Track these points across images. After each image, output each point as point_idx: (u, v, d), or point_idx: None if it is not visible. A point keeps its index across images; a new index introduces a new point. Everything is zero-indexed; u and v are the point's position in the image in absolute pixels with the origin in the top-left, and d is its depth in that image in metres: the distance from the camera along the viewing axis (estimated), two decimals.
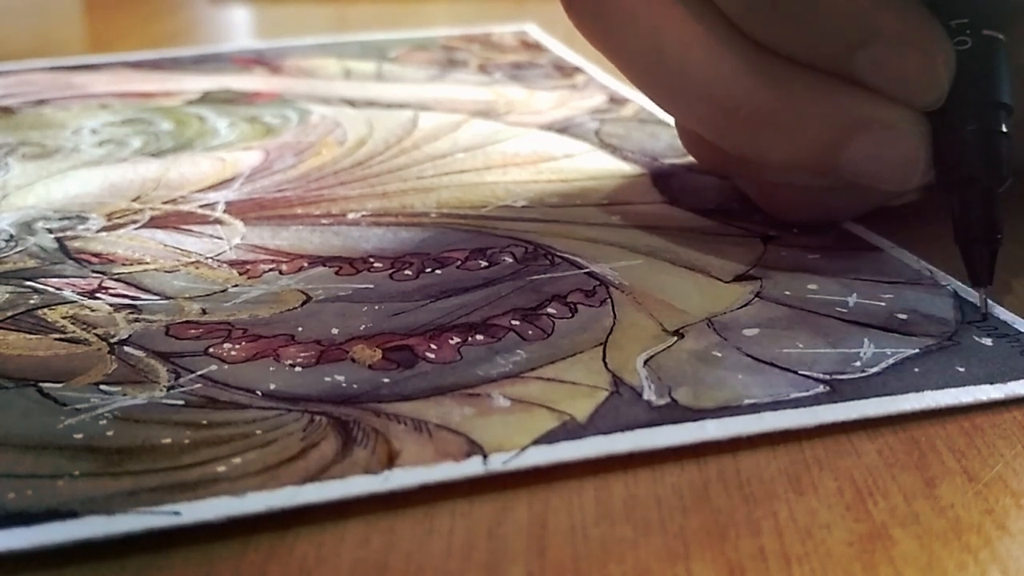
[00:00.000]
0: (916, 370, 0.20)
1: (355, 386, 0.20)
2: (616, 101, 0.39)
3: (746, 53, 0.23)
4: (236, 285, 0.24)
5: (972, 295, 0.23)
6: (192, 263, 0.25)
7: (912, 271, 0.24)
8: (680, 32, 0.23)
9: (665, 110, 0.26)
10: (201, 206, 0.29)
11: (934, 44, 0.22)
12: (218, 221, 0.28)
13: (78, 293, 0.24)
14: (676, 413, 0.19)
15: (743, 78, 0.23)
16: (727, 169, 0.27)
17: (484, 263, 0.25)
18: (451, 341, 0.21)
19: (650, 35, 0.23)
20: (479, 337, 0.21)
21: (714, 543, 0.16)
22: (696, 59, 0.23)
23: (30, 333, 0.22)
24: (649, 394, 0.19)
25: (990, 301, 0.23)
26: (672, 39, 0.23)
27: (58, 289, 0.24)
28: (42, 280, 0.24)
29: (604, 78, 0.41)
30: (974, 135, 0.22)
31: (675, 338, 0.21)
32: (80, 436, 0.18)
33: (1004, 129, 0.22)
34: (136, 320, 0.22)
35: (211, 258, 0.26)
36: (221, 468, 0.17)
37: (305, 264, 0.25)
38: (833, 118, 0.23)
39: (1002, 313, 0.22)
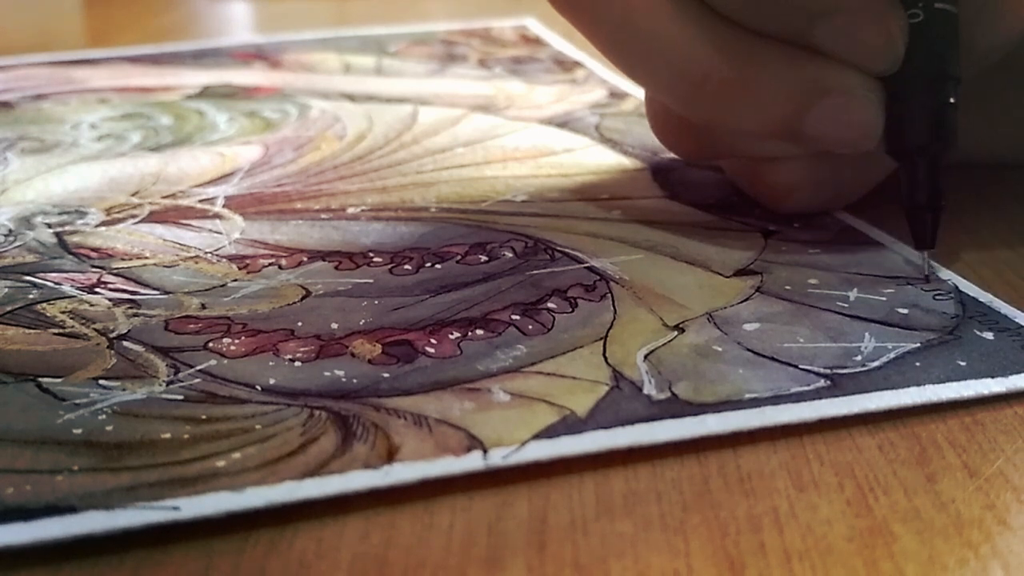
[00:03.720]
0: (917, 364, 0.20)
1: (355, 381, 0.20)
2: (616, 96, 0.39)
3: (712, 25, 0.24)
4: (235, 280, 0.24)
5: (974, 289, 0.23)
6: (191, 258, 0.25)
7: (913, 266, 0.24)
8: (649, 5, 0.24)
9: (635, 81, 0.26)
10: (200, 201, 0.29)
11: (890, 13, 0.23)
12: (217, 216, 0.28)
13: (77, 288, 0.24)
14: (676, 407, 0.19)
15: (710, 50, 0.23)
16: (698, 155, 0.28)
17: (484, 258, 0.25)
18: (451, 336, 0.21)
19: (620, 8, 0.24)
20: (479, 332, 0.21)
21: (714, 538, 0.16)
22: (664, 32, 0.24)
23: (29, 328, 0.22)
24: (649, 388, 0.19)
25: (933, 264, 0.24)
26: (641, 12, 0.24)
27: (57, 284, 0.24)
28: (41, 275, 0.24)
29: (604, 73, 0.41)
30: (924, 106, 0.23)
31: (675, 333, 0.21)
32: (79, 431, 0.18)
33: (952, 100, 0.23)
34: (135, 315, 0.22)
35: (210, 253, 0.26)
36: (220, 463, 0.17)
37: (304, 259, 0.25)
38: (796, 86, 0.24)
39: (1003, 307, 0.22)
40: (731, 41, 0.24)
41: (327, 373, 0.20)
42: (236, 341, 0.21)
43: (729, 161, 0.28)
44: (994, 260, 0.25)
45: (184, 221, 0.28)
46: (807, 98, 0.23)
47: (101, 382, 0.20)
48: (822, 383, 0.19)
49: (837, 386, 0.19)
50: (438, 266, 0.25)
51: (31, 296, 0.23)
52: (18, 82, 0.42)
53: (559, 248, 0.25)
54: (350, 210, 0.28)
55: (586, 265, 0.24)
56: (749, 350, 0.21)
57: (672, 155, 0.31)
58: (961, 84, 0.24)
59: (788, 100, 0.24)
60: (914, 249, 0.24)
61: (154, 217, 0.28)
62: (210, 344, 0.21)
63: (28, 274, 0.24)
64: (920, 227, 0.24)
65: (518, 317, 0.22)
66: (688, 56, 0.24)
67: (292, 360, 0.21)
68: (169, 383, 0.20)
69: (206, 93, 0.40)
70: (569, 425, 0.18)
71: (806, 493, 0.17)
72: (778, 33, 0.23)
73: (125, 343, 0.21)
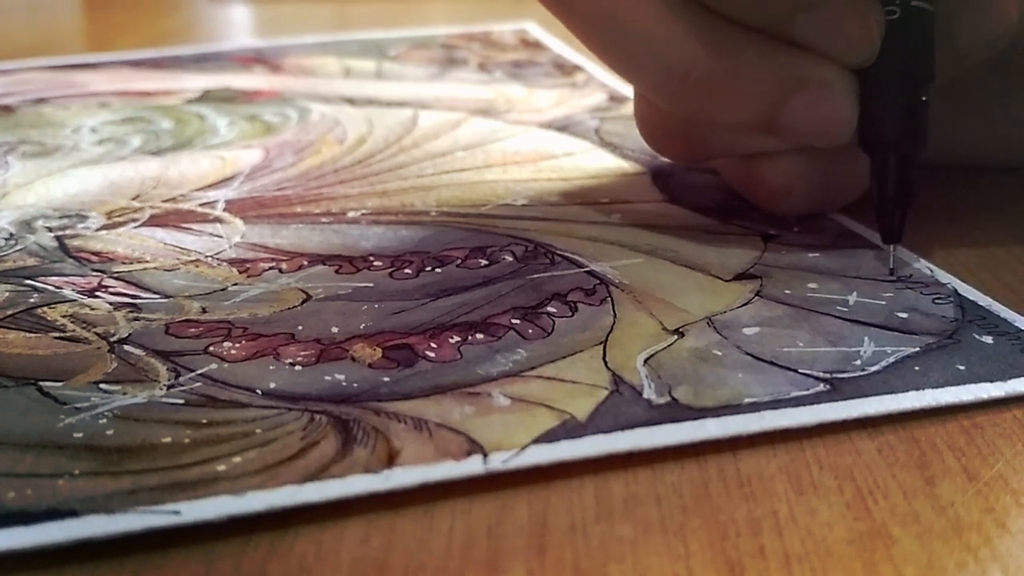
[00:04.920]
0: (916, 368, 0.20)
1: (355, 385, 0.20)
2: (616, 99, 0.39)
3: (694, 18, 0.24)
4: (236, 284, 0.24)
5: (973, 293, 0.23)
6: (192, 261, 0.25)
7: (912, 269, 0.24)
8: None
9: (618, 75, 0.27)
10: (201, 204, 0.29)
11: (868, 7, 0.24)
12: (218, 219, 0.28)
13: (78, 292, 0.24)
14: (676, 412, 0.19)
15: (692, 42, 0.24)
16: (686, 156, 0.28)
17: (484, 262, 0.25)
18: (451, 340, 0.21)
19: (604, 1, 0.24)
20: (479, 336, 0.21)
21: (714, 542, 0.16)
22: (647, 25, 0.24)
23: (30, 332, 0.22)
24: (649, 393, 0.19)
25: (900, 259, 0.24)
26: (624, 6, 0.24)
27: (58, 288, 0.24)
28: (42, 279, 0.24)
29: (604, 76, 0.41)
30: (896, 103, 0.24)
31: (675, 337, 0.21)
32: (80, 435, 0.18)
33: (925, 99, 0.24)
34: (136, 319, 0.22)
35: (211, 256, 0.26)
36: (221, 467, 0.17)
37: (305, 262, 0.25)
38: (775, 78, 0.24)
39: (1002, 311, 0.22)
40: (712, 33, 0.24)
41: (327, 377, 0.20)
42: (237, 345, 0.21)
43: (723, 163, 0.28)
44: (993, 263, 0.25)
45: (185, 225, 0.28)
46: (785, 90, 0.24)
47: (102, 386, 0.20)
48: (821, 387, 0.20)
49: (836, 390, 0.19)
50: (438, 270, 0.25)
51: (32, 300, 0.23)
52: (19, 86, 0.42)
53: (559, 252, 0.25)
54: (350, 214, 0.28)
55: (586, 269, 0.25)
56: (749, 354, 0.21)
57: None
58: (935, 82, 0.24)
59: (766, 92, 0.24)
60: (882, 243, 0.24)
61: (155, 221, 0.28)
62: (211, 348, 0.21)
63: (29, 278, 0.24)
64: (888, 222, 0.24)
65: (518, 321, 0.22)
66: (671, 49, 0.24)
67: (292, 364, 0.21)
68: (170, 387, 0.20)
69: (207, 97, 0.40)
70: (569, 429, 0.18)
71: (806, 496, 0.17)
72: (758, 25, 0.24)
73: (126, 347, 0.21)
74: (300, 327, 0.22)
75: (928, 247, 0.25)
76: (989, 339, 0.21)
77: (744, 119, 0.25)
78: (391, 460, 0.17)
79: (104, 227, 0.27)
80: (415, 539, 0.16)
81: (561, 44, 0.47)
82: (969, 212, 0.28)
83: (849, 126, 0.24)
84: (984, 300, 0.23)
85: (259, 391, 0.20)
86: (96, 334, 0.22)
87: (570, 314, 0.22)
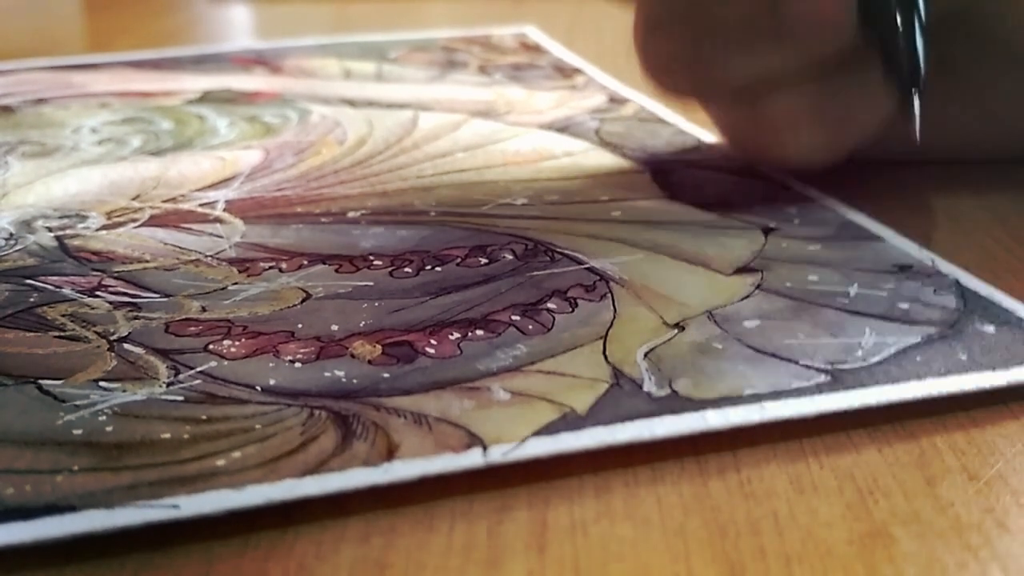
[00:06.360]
0: (918, 358, 0.20)
1: (355, 381, 0.20)
2: (616, 101, 0.39)
3: None
4: (236, 283, 0.24)
5: (975, 282, 0.23)
6: (192, 261, 0.25)
7: (914, 260, 0.24)
8: None
9: None
10: (201, 205, 0.29)
11: None
12: (218, 219, 0.28)
13: (77, 291, 0.24)
14: (676, 404, 0.19)
15: None
16: (691, 91, 0.28)
17: (484, 260, 0.25)
18: (451, 336, 0.21)
19: None
20: (479, 332, 0.21)
21: (714, 541, 0.16)
22: None
23: (29, 331, 0.22)
24: (649, 385, 0.19)
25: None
26: None
27: (57, 287, 0.24)
28: (42, 278, 0.24)
29: (604, 78, 0.41)
30: None
31: (676, 331, 0.21)
32: (79, 432, 0.18)
33: None
34: (135, 318, 0.22)
35: (211, 256, 0.26)
36: (220, 462, 0.17)
37: (305, 262, 0.25)
38: None
39: (1004, 300, 0.22)
40: None
41: (327, 374, 0.20)
42: (236, 343, 0.21)
43: (728, 119, 0.28)
44: (993, 263, 0.25)
45: (184, 225, 0.28)
46: None
47: (101, 384, 0.20)
48: (823, 379, 0.19)
49: (838, 381, 0.19)
50: (438, 269, 0.25)
51: (32, 299, 0.23)
52: (19, 86, 0.42)
53: (559, 250, 0.25)
54: (350, 214, 0.28)
55: (586, 266, 0.24)
56: (749, 347, 0.21)
57: (668, 155, 0.31)
58: None
59: None
60: (899, 88, 0.25)
61: (155, 221, 0.28)
62: (210, 346, 0.21)
63: (29, 277, 0.24)
64: (902, 63, 0.24)
65: (518, 317, 0.22)
66: None
67: (292, 361, 0.21)
68: (169, 384, 0.20)
69: (207, 98, 0.40)
70: (569, 422, 0.18)
71: (806, 496, 0.17)
72: None
73: (126, 345, 0.21)
74: (300, 325, 0.22)
75: (930, 237, 0.25)
76: (991, 328, 0.21)
77: (745, 15, 0.25)
78: (391, 454, 0.17)
79: (104, 227, 0.27)
80: (415, 538, 0.16)
81: (561, 47, 0.47)
82: (969, 211, 0.28)
83: (849, 16, 0.24)
84: (986, 290, 0.23)
85: (259, 388, 0.20)
86: (96, 333, 0.22)
87: (570, 310, 0.22)
